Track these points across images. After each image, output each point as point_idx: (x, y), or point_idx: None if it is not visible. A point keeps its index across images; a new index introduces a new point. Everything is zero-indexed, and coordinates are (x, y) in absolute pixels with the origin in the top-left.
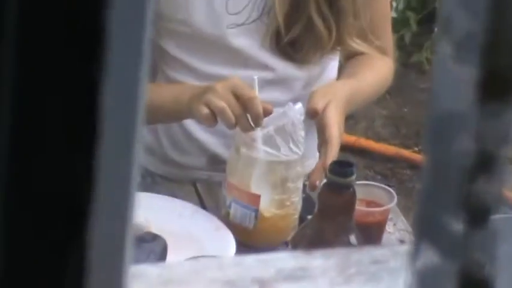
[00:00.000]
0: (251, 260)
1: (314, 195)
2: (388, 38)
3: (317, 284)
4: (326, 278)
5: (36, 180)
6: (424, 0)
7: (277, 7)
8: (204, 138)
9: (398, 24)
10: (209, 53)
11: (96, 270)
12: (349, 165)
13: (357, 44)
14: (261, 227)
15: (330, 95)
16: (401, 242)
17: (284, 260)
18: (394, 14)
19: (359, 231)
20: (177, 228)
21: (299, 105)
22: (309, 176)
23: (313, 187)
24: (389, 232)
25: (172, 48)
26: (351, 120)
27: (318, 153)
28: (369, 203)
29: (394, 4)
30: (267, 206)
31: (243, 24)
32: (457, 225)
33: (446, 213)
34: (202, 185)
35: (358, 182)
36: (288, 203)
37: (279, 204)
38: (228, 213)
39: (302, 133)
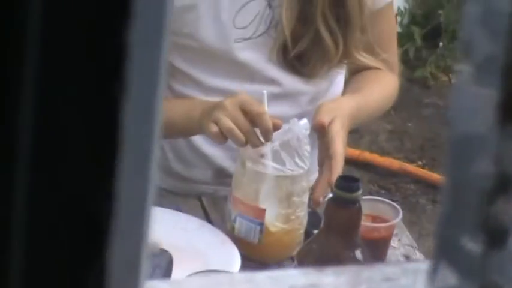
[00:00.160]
0: (262, 276)
1: (320, 210)
2: (394, 53)
3: None
4: None
5: (58, 199)
6: (428, 15)
7: (285, 21)
8: (210, 152)
9: (403, 38)
10: (216, 67)
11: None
12: (355, 180)
13: (363, 58)
14: (266, 242)
15: (335, 111)
16: (407, 257)
17: (295, 276)
18: (398, 29)
19: (364, 247)
20: (183, 242)
21: (304, 121)
22: (312, 192)
23: (316, 203)
24: (395, 247)
25: (179, 62)
26: (355, 134)
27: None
28: (375, 218)
29: (399, 19)
30: (272, 221)
31: (250, 38)
32: (476, 247)
33: (465, 234)
34: (208, 199)
35: (363, 197)
36: (293, 217)
37: (285, 218)
38: (233, 228)
39: (307, 148)
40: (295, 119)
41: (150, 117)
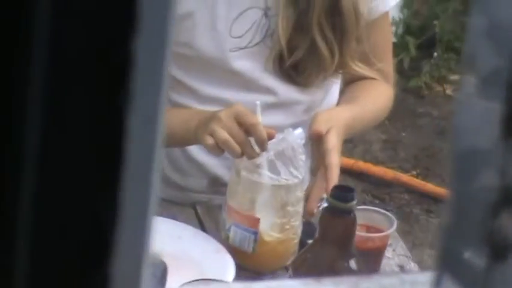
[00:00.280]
0: (260, 286)
1: (315, 220)
2: (389, 64)
3: None
4: None
5: (63, 207)
6: (423, 26)
7: (281, 30)
8: (205, 161)
9: (398, 48)
10: (212, 76)
11: None
12: (350, 190)
13: (359, 68)
14: (260, 251)
15: (331, 121)
16: (401, 267)
17: (293, 287)
18: (393, 39)
19: (359, 257)
20: (177, 251)
21: (299, 130)
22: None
23: (311, 214)
24: (389, 257)
25: (174, 70)
26: (349, 144)
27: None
28: (369, 228)
29: (394, 29)
30: (267, 230)
31: (245, 47)
32: (479, 260)
33: (469, 247)
34: (202, 207)
35: (358, 207)
36: (288, 227)
37: (280, 228)
38: (227, 237)
39: (302, 157)
40: (290, 129)
41: (154, 126)
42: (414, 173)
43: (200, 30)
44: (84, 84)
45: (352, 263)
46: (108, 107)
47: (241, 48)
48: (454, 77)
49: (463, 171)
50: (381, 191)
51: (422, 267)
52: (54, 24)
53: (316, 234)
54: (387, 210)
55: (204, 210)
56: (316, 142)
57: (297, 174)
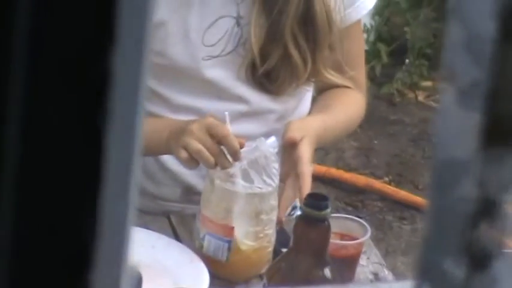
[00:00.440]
0: None
1: (289, 228)
2: (362, 71)
3: None
4: None
5: (43, 221)
6: (394, 33)
7: (253, 38)
8: (179, 170)
9: (369, 55)
10: (184, 85)
11: None
12: (324, 198)
13: (331, 76)
14: (234, 260)
15: (304, 130)
16: (375, 275)
17: None
18: (365, 46)
19: (333, 265)
20: (151, 260)
21: (272, 139)
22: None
23: (279, 222)
24: (363, 265)
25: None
26: (321, 151)
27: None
28: (343, 236)
29: (365, 36)
30: (242, 238)
31: (218, 55)
32: (459, 270)
33: (448, 257)
34: (176, 216)
35: (332, 215)
36: (262, 235)
37: (254, 236)
38: (201, 246)
39: (275, 165)
40: (262, 138)
41: (131, 141)
42: (387, 179)
43: (173, 39)
44: (62, 98)
45: (327, 271)
46: (87, 120)
47: (214, 57)
48: (426, 84)
49: (442, 181)
50: (353, 198)
51: (396, 274)
52: (31, 43)
53: (291, 243)
54: (360, 218)
55: (178, 220)
56: (288, 149)
57: (271, 182)
